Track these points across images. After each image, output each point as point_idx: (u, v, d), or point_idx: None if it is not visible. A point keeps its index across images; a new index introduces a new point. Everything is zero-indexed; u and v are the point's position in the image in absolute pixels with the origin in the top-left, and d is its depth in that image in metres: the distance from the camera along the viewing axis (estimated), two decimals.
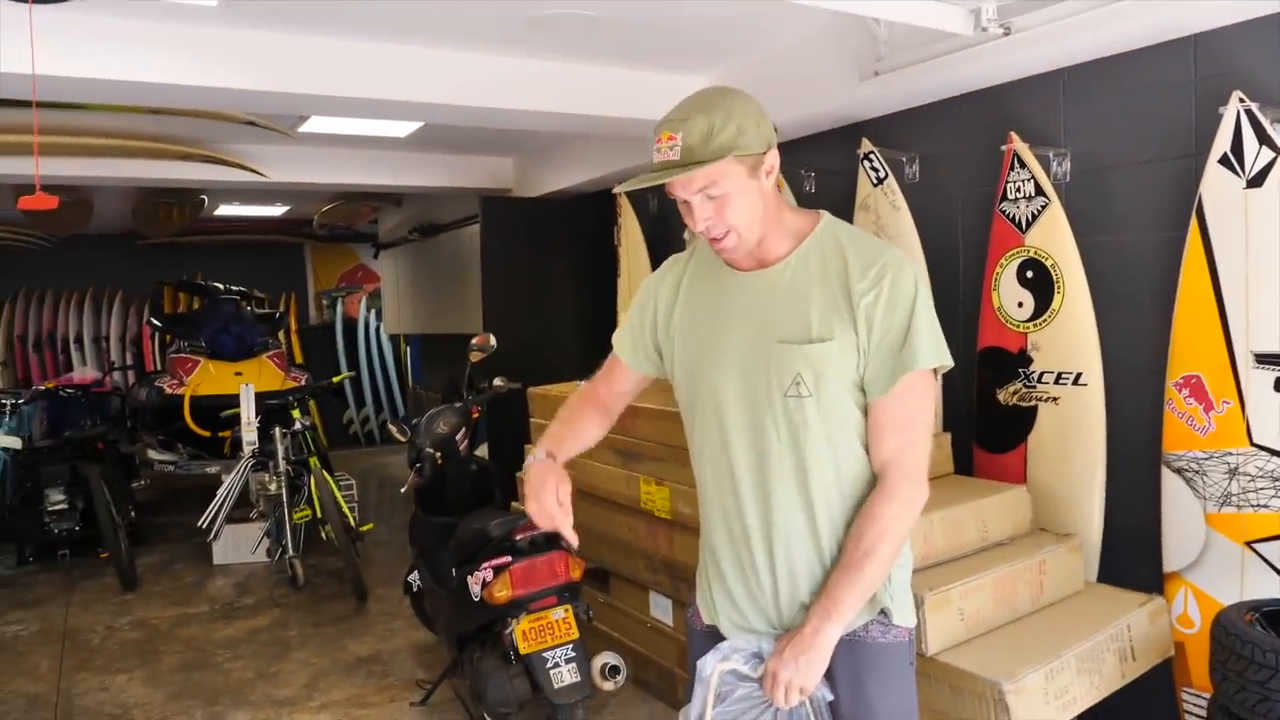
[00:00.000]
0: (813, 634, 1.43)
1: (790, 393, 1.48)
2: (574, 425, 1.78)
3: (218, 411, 5.64)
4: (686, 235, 4.49)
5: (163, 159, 4.97)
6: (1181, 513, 2.50)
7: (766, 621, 1.57)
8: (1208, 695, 2.24)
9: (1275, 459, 2.30)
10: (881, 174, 3.26)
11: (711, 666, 1.51)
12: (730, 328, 1.55)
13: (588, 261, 5.49)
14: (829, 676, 1.49)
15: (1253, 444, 2.33)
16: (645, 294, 1.73)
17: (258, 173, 5.26)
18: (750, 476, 1.54)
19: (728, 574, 1.60)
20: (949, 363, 1.48)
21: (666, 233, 4.79)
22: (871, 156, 3.27)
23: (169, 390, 6.19)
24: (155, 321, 7.76)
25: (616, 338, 1.77)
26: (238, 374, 6.07)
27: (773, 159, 1.50)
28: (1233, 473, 2.38)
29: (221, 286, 7.38)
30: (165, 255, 8.71)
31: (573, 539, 1.59)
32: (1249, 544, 2.36)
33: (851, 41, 3.14)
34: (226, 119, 4.29)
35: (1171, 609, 2.52)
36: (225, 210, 7.78)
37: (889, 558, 1.46)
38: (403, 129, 4.86)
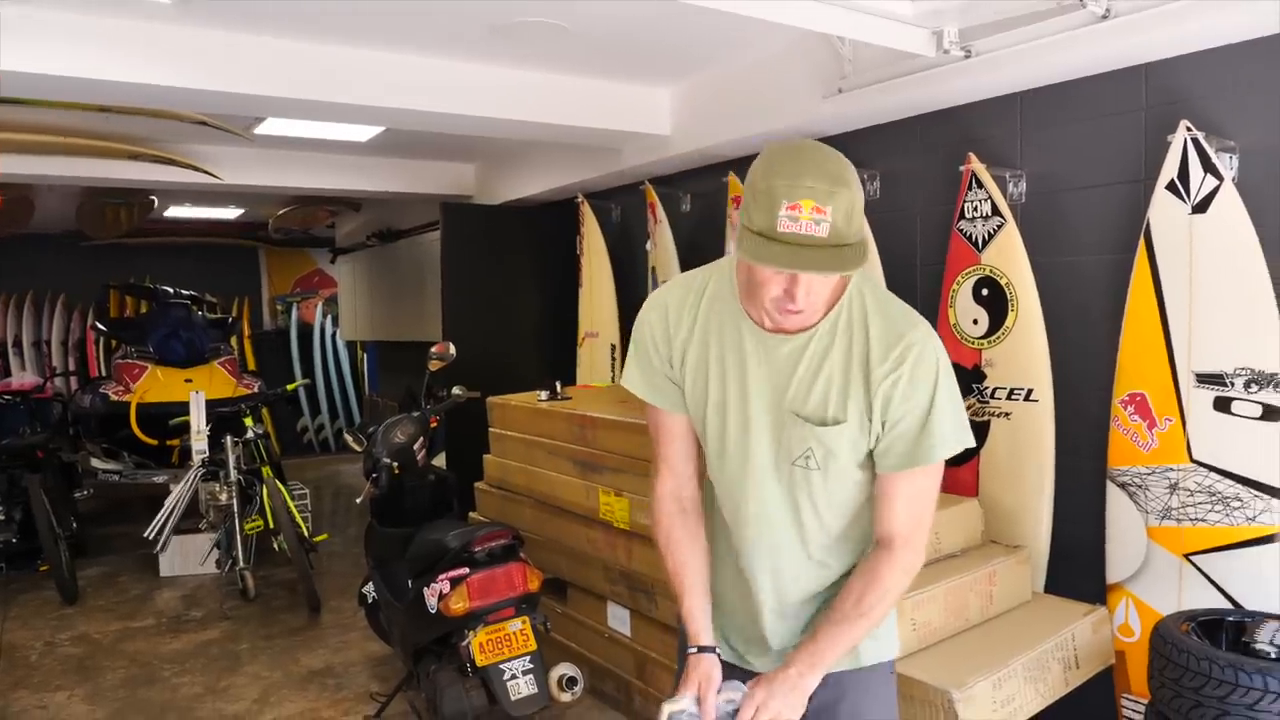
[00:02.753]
0: (798, 678, 1.44)
1: (798, 463, 1.47)
2: (695, 579, 1.58)
3: (166, 419, 5.49)
4: (649, 246, 4.52)
5: (111, 158, 4.84)
6: (1124, 526, 2.58)
7: (741, 656, 1.62)
8: (1145, 701, 2.31)
9: (1213, 475, 2.38)
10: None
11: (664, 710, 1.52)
12: (753, 390, 1.48)
13: (549, 271, 5.48)
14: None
15: (1192, 460, 2.42)
16: (657, 328, 1.56)
17: (211, 174, 5.15)
18: (755, 528, 1.54)
19: (724, 601, 1.62)
20: (970, 444, 1.45)
21: (628, 243, 4.80)
22: None
23: (115, 397, 6.02)
24: (100, 326, 7.54)
25: (646, 394, 1.59)
26: (188, 381, 5.94)
27: None
28: (1173, 488, 2.46)
29: (171, 290, 7.20)
30: (111, 257, 8.46)
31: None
32: (1187, 556, 2.44)
33: (816, 59, 3.19)
34: (178, 118, 4.19)
35: (1113, 619, 2.60)
36: (176, 212, 7.60)
37: (881, 618, 1.49)
38: (363, 134, 4.81)
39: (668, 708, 1.51)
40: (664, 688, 3.05)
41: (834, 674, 1.51)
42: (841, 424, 1.43)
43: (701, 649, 1.54)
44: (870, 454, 1.47)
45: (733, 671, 1.59)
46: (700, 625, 1.55)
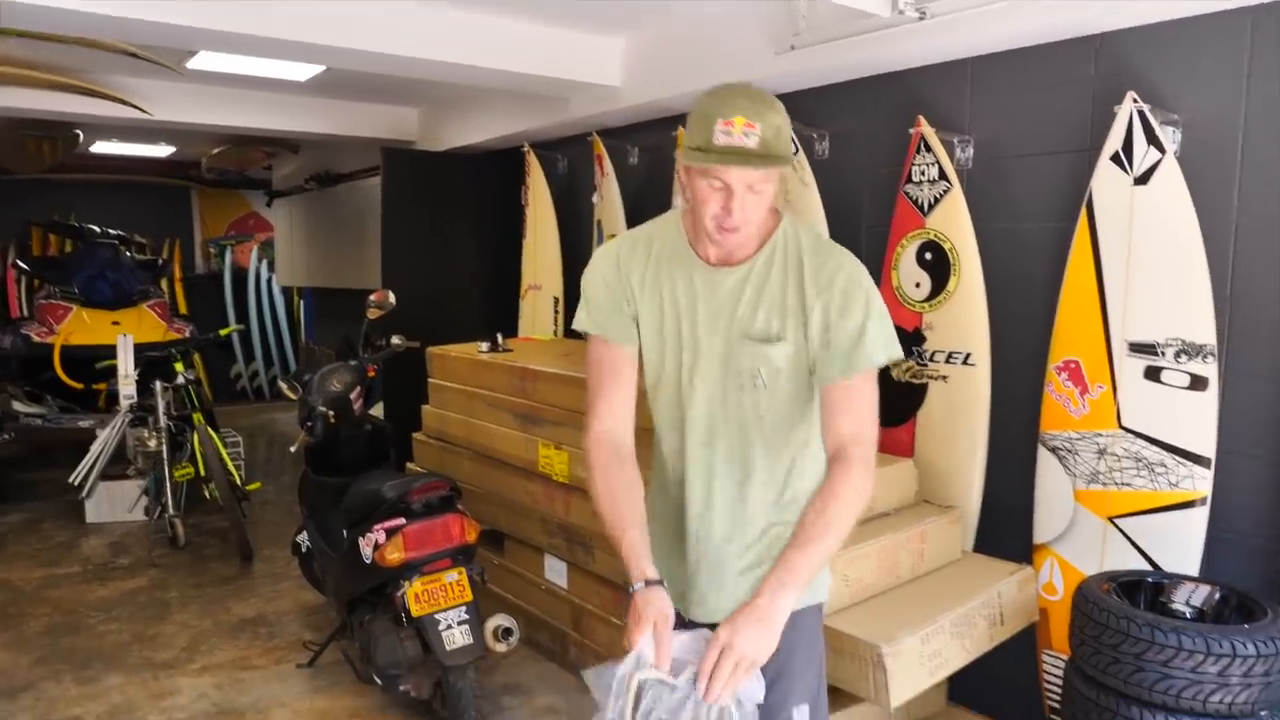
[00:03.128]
0: (768, 603, 1.37)
1: (746, 385, 1.57)
2: (634, 518, 1.53)
3: (91, 362, 5.30)
4: (595, 199, 4.44)
5: (30, 87, 4.55)
6: (1053, 489, 2.65)
7: (684, 602, 1.63)
8: (1065, 657, 2.40)
9: (1140, 441, 2.45)
10: (793, 150, 3.28)
11: (624, 673, 1.37)
12: (703, 326, 1.59)
13: (493, 221, 5.37)
14: None
15: (1121, 426, 2.49)
16: (608, 271, 1.64)
17: (140, 109, 4.89)
18: (699, 458, 1.62)
19: (658, 550, 1.57)
20: (899, 355, 1.57)
21: (574, 195, 4.72)
22: None
23: (37, 338, 5.82)
24: (22, 264, 7.24)
25: (594, 326, 1.64)
26: (115, 323, 5.74)
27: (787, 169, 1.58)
28: (1101, 453, 2.53)
29: (98, 229, 6.90)
30: (34, 192, 8.04)
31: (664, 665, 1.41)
32: (1111, 519, 2.52)
33: (771, 13, 3.13)
34: (104, 47, 3.94)
35: (1038, 578, 2.68)
36: (103, 147, 7.22)
37: (844, 534, 1.47)
38: (302, 72, 4.60)
39: (637, 675, 1.36)
40: (600, 640, 3.08)
41: None
42: (783, 341, 1.55)
43: (649, 583, 1.45)
44: (810, 376, 1.56)
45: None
46: (645, 561, 1.47)
